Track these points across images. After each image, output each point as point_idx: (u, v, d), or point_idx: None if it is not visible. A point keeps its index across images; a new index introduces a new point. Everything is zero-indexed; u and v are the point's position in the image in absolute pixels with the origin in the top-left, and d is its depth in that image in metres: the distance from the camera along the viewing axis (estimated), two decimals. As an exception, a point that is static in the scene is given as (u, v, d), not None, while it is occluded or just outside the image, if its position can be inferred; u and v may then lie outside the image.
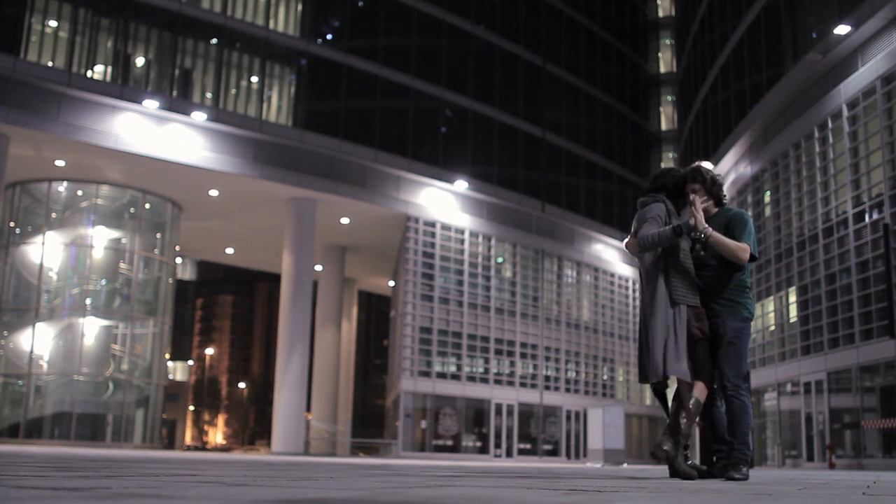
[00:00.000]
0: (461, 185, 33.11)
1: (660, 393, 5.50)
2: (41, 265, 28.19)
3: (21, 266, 28.53)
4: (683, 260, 5.42)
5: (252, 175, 28.09)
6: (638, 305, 42.71)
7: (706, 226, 5.41)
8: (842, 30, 21.41)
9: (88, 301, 28.75)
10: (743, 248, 5.39)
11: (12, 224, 28.94)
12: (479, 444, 33.07)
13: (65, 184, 28.86)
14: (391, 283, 39.59)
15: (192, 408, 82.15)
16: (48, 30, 27.00)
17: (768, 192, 27.15)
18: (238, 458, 15.06)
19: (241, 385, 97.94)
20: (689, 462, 5.31)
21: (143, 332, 30.40)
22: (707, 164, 5.77)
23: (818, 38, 23.62)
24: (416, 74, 33.53)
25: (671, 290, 5.31)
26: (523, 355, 34.78)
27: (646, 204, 5.61)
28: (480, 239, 33.99)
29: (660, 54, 49.61)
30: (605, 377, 38.78)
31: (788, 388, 25.31)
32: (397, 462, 14.83)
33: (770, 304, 26.79)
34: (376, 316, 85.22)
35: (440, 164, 33.54)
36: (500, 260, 35.25)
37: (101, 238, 29.11)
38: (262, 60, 30.50)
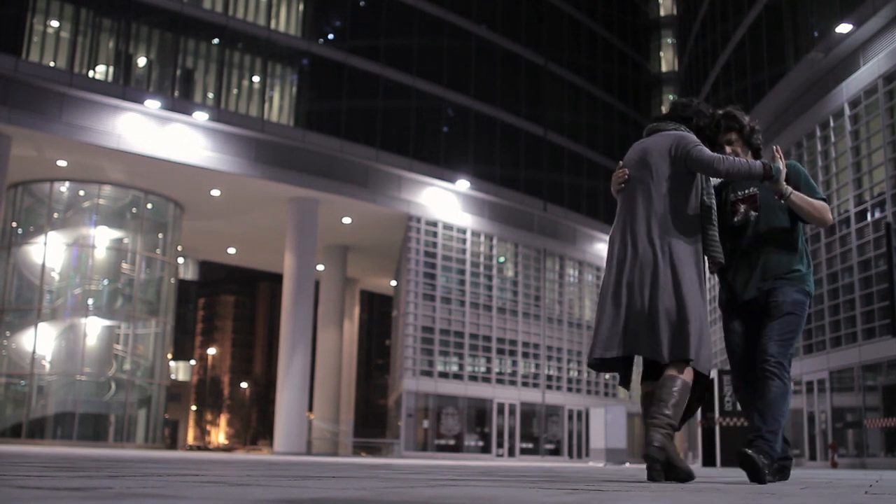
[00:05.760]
0: (463, 184, 33.11)
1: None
2: (43, 265, 28.22)
3: (23, 266, 28.56)
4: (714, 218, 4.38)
5: (254, 175, 28.10)
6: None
7: (786, 185, 4.38)
8: (843, 28, 21.39)
9: (90, 301, 28.77)
10: (825, 207, 4.46)
11: (14, 224, 28.97)
12: (481, 443, 33.06)
13: (67, 184, 28.88)
14: (393, 283, 39.59)
15: (194, 408, 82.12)
16: (50, 30, 27.03)
17: (770, 192, 27.09)
18: (240, 457, 15.08)
19: (244, 385, 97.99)
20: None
21: (146, 332, 30.42)
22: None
23: (820, 36, 23.59)
24: (418, 74, 33.54)
25: (713, 252, 4.35)
26: (525, 355, 34.78)
27: (661, 130, 4.46)
28: (482, 238, 33.99)
29: (661, 53, 49.61)
30: (607, 376, 38.76)
31: (791, 386, 25.26)
32: (399, 462, 14.83)
33: (772, 304, 26.72)
34: (378, 315, 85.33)
35: (442, 163, 33.54)
36: (501, 259, 35.24)
37: (103, 238, 29.14)
38: (264, 60, 30.52)
